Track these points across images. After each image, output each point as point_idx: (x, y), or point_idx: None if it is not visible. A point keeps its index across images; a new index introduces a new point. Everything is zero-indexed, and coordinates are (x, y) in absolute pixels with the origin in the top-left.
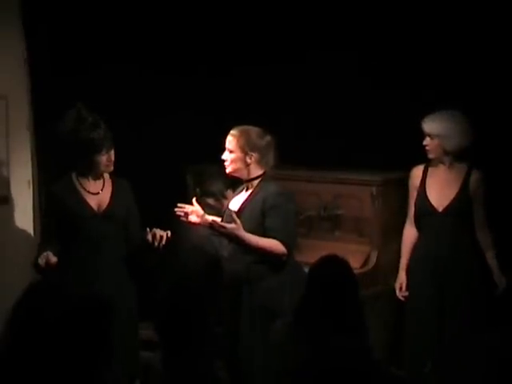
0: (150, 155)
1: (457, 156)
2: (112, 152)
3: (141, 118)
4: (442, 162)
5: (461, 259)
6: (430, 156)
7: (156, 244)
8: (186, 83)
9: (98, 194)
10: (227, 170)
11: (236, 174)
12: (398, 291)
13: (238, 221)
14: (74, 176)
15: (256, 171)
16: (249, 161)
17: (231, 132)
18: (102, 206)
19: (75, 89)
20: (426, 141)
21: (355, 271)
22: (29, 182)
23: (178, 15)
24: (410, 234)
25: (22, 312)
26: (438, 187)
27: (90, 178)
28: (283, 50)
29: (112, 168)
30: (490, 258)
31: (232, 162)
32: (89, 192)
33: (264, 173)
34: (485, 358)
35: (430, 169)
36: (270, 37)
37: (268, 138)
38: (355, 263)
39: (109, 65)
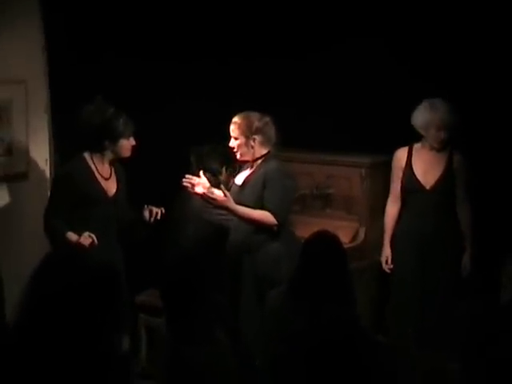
0: (160, 138)
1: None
2: (132, 138)
3: (151, 104)
4: (425, 143)
5: (444, 236)
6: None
7: (152, 220)
8: (195, 72)
9: (108, 179)
10: (237, 157)
11: (244, 158)
12: (384, 264)
13: (228, 193)
14: (88, 158)
15: (260, 151)
16: (252, 144)
17: (233, 120)
18: (111, 190)
19: (91, 74)
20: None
21: (344, 246)
22: (46, 160)
23: (187, 2)
24: (392, 210)
25: (40, 280)
26: (424, 167)
27: (104, 163)
28: (285, 40)
29: (130, 153)
30: (467, 237)
31: (238, 147)
32: (102, 176)
33: (268, 152)
34: (467, 325)
35: (414, 150)
36: (269, 27)
37: (267, 119)
38: (344, 238)
39: (120, 52)
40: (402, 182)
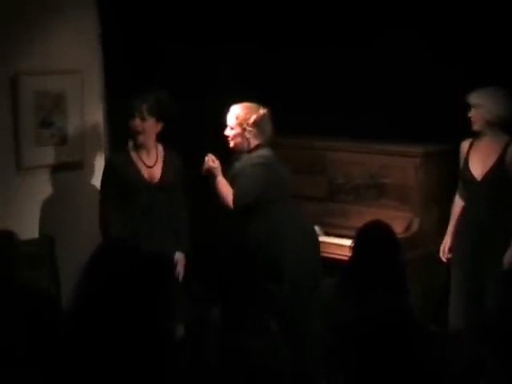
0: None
1: (498, 127)
2: (142, 122)
3: (205, 91)
4: (485, 134)
5: (498, 225)
6: (474, 127)
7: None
8: (248, 58)
9: (152, 167)
10: (230, 146)
11: (237, 148)
12: (441, 253)
13: (217, 162)
14: (130, 146)
15: (253, 143)
16: (247, 135)
17: (230, 109)
18: (155, 176)
19: (145, 63)
20: (471, 112)
21: (398, 236)
22: (101, 148)
23: None
24: (458, 202)
25: (94, 267)
26: (480, 157)
27: (142, 149)
28: (340, 31)
29: (145, 137)
30: None
31: (233, 137)
32: (144, 164)
33: (259, 144)
34: None
35: (474, 141)
36: (326, 18)
37: (264, 111)
38: (398, 228)
39: (174, 39)
40: (459, 173)
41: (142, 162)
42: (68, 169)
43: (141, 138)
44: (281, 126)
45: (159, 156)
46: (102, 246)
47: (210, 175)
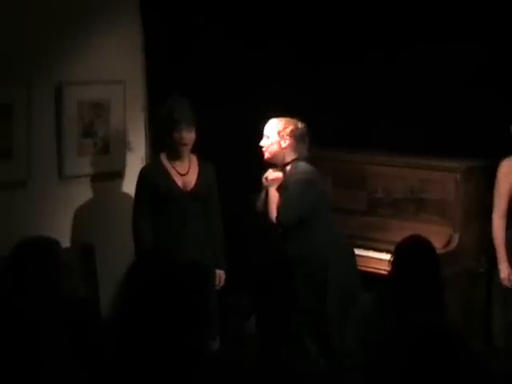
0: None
1: None
2: (188, 133)
3: (245, 102)
4: None
5: None
6: None
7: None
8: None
9: (185, 175)
10: (265, 156)
11: (272, 159)
12: (505, 282)
13: (274, 176)
14: (163, 157)
15: (290, 155)
16: (284, 145)
17: (268, 121)
18: (188, 185)
19: (188, 75)
20: None
21: (437, 251)
22: (142, 159)
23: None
24: (500, 225)
25: (132, 279)
26: None
27: (176, 159)
28: (381, 44)
29: (189, 148)
30: None
31: (269, 146)
32: (177, 172)
33: (297, 158)
34: None
35: None
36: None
37: (302, 126)
38: (437, 244)
39: (216, 51)
40: (498, 191)
41: (176, 170)
42: (109, 178)
43: (187, 149)
44: (320, 139)
45: (192, 165)
46: (138, 259)
47: (269, 186)
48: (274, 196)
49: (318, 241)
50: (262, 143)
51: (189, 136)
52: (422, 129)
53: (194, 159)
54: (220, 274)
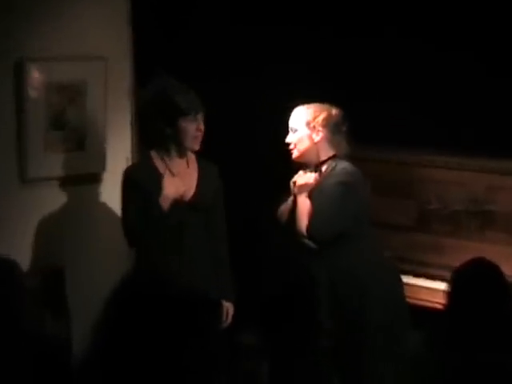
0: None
1: None
2: (201, 122)
3: (242, 83)
4: None
5: None
6: None
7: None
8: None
9: (183, 179)
10: (293, 156)
11: (304, 158)
12: None
13: (304, 180)
14: (153, 155)
15: (326, 152)
16: (316, 138)
17: (294, 111)
18: (185, 192)
19: (179, 53)
20: None
21: (508, 278)
22: (127, 158)
23: None
24: None
25: (119, 305)
26: None
27: (173, 156)
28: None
29: (199, 143)
30: None
31: (297, 141)
32: (172, 175)
33: (334, 155)
34: None
35: None
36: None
37: (337, 111)
38: (508, 269)
39: (208, 29)
40: None
41: (171, 173)
42: (84, 182)
43: (197, 145)
44: (357, 134)
45: (192, 166)
46: (127, 275)
47: (298, 193)
48: (304, 204)
49: (357, 260)
50: (288, 139)
51: (200, 127)
52: (486, 124)
53: (193, 159)
54: (227, 307)
